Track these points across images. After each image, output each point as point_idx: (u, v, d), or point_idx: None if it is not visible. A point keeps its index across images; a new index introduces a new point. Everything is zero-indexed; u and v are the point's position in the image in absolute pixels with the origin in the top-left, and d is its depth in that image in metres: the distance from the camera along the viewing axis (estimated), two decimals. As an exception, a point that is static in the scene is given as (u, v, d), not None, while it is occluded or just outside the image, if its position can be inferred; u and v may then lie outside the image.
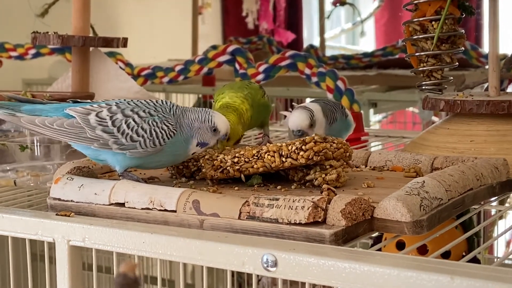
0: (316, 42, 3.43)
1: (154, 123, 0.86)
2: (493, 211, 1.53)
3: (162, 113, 0.87)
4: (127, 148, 0.86)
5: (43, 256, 1.78)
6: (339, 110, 1.10)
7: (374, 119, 2.82)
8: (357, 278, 0.64)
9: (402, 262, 0.65)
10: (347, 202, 0.73)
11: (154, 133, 0.86)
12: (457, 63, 1.11)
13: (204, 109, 0.90)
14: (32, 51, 1.92)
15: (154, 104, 0.89)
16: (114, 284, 0.46)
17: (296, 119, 1.04)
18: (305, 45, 3.89)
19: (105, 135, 0.86)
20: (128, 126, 0.86)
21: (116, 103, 0.88)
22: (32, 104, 0.90)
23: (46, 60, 2.41)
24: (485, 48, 2.89)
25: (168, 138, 0.87)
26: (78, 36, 1.30)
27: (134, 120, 0.86)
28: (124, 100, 0.90)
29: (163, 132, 0.86)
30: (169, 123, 0.87)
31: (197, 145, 0.89)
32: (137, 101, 0.90)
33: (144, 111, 0.87)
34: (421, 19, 1.08)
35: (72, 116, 0.87)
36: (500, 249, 1.97)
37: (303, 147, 0.85)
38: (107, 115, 0.86)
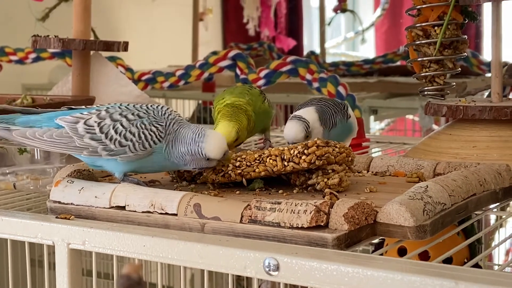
0: (316, 49, 3.43)
1: (143, 126, 0.85)
2: (492, 217, 1.52)
3: (153, 116, 0.86)
4: (116, 153, 0.85)
5: (41, 262, 1.78)
6: (340, 112, 1.04)
7: (375, 126, 2.81)
8: (360, 283, 0.64)
9: (406, 267, 0.64)
10: (350, 206, 0.72)
11: (143, 136, 0.85)
12: (459, 69, 1.11)
13: (194, 137, 0.85)
14: (32, 55, 1.92)
15: (146, 107, 0.87)
16: (117, 286, 0.45)
17: (291, 131, 0.99)
18: (305, 52, 3.89)
19: (93, 142, 0.85)
20: (116, 131, 0.85)
21: (106, 108, 0.87)
22: (26, 115, 0.89)
23: (46, 65, 2.41)
24: (485, 56, 2.89)
25: (159, 140, 0.85)
26: (79, 39, 1.30)
27: (122, 124, 0.85)
28: (119, 104, 0.88)
29: (152, 134, 0.85)
30: (159, 124, 0.85)
31: (193, 169, 0.88)
32: (130, 104, 0.88)
33: (133, 113, 0.86)
34: (423, 24, 1.07)
35: (62, 126, 0.86)
36: (498, 257, 1.96)
37: (305, 151, 0.85)
38: (95, 122, 0.85)
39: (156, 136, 0.85)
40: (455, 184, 0.81)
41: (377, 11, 3.78)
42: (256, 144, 1.44)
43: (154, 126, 0.85)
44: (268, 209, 0.74)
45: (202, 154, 0.85)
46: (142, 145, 0.85)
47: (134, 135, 0.85)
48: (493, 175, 0.89)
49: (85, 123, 0.86)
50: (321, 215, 0.72)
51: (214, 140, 0.86)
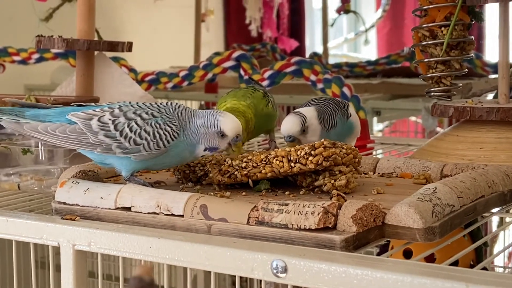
0: (318, 50, 3.42)
1: (157, 125, 0.85)
2: (494, 218, 1.51)
3: (166, 114, 0.86)
4: (131, 151, 0.85)
5: (43, 263, 1.77)
6: (340, 112, 1.03)
7: (377, 127, 2.80)
8: (369, 285, 0.63)
9: (416, 269, 0.63)
10: (358, 208, 0.71)
11: (157, 135, 0.85)
12: (466, 70, 1.10)
13: (212, 111, 0.87)
14: (36, 56, 1.90)
15: (158, 105, 0.87)
16: (128, 287, 0.45)
17: (286, 124, 0.98)
18: (307, 53, 3.88)
19: (107, 139, 0.85)
20: (131, 130, 0.85)
21: (119, 106, 0.87)
22: (35, 109, 0.89)
23: (48, 66, 2.40)
24: (487, 57, 2.88)
25: (172, 140, 0.85)
26: (83, 39, 1.29)
27: (136, 123, 0.85)
28: (129, 102, 0.88)
29: (166, 133, 0.85)
30: (173, 124, 0.86)
31: (205, 150, 0.87)
32: (141, 103, 0.88)
33: (147, 113, 0.86)
34: (430, 24, 1.07)
35: (74, 122, 0.86)
36: (503, 259, 1.95)
37: (312, 152, 0.84)
38: (109, 119, 0.85)
39: (170, 136, 0.85)
40: (464, 185, 0.80)
41: (378, 12, 3.77)
42: (259, 145, 1.43)
43: (169, 126, 0.85)
44: (275, 210, 0.74)
45: (217, 127, 0.86)
46: (156, 144, 0.85)
47: (149, 134, 0.85)
48: (501, 177, 0.88)
49: (99, 120, 0.85)
50: (329, 216, 0.71)
51: (231, 118, 0.88)
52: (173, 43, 3.41)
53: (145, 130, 0.85)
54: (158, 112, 0.86)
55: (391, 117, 2.55)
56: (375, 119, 2.30)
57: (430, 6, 1.07)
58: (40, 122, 0.87)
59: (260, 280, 0.70)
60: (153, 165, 0.88)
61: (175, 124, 0.86)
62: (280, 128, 0.99)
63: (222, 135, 0.87)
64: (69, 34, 1.34)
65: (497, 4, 1.08)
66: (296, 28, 3.95)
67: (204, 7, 3.15)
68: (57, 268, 0.82)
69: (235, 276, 0.73)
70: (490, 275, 0.62)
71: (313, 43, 4.65)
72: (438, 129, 2.44)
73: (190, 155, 0.87)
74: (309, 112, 1.00)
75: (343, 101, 1.06)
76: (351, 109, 1.06)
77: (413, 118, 2.93)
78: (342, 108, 1.04)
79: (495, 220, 1.77)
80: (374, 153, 1.36)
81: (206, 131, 0.86)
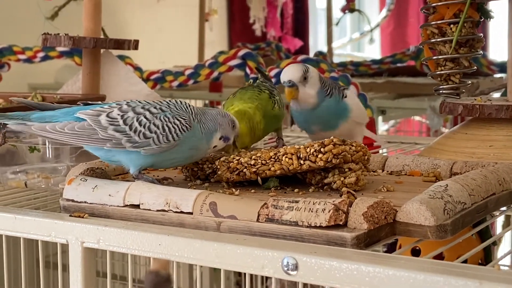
0: (322, 50, 3.42)
1: (166, 119, 0.85)
2: (499, 219, 1.50)
3: (175, 109, 0.87)
4: (140, 145, 0.85)
5: (48, 263, 1.77)
6: (337, 88, 1.07)
7: (382, 127, 2.80)
8: (381, 282, 0.63)
9: (429, 267, 0.63)
10: (369, 205, 0.71)
11: (167, 128, 0.85)
12: (475, 67, 1.09)
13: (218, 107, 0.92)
14: (41, 54, 1.90)
15: (167, 102, 0.88)
16: (145, 281, 0.44)
17: (288, 70, 1.02)
18: (311, 52, 3.87)
19: (117, 134, 0.84)
20: (140, 124, 0.85)
21: (127, 102, 0.87)
22: (41, 112, 0.88)
23: (52, 65, 2.39)
24: (491, 56, 2.87)
25: (181, 133, 0.85)
26: (89, 37, 1.29)
27: (145, 117, 0.85)
28: (136, 100, 0.89)
29: (176, 127, 0.85)
30: (182, 118, 0.86)
31: (220, 138, 0.90)
32: (148, 100, 0.89)
33: (155, 107, 0.86)
34: (439, 22, 1.06)
35: (82, 119, 0.86)
36: (506, 259, 1.94)
37: (322, 149, 0.83)
38: (118, 114, 0.85)
39: (180, 129, 0.85)
40: (475, 183, 0.80)
41: (383, 12, 3.77)
42: (265, 143, 1.43)
43: (178, 120, 0.85)
44: (285, 207, 0.73)
45: (229, 116, 0.92)
46: (166, 137, 0.85)
47: (158, 128, 0.85)
48: (511, 175, 0.87)
49: (107, 116, 0.85)
50: (340, 214, 0.71)
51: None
52: (177, 42, 3.40)
53: (154, 124, 0.85)
54: (166, 107, 0.87)
55: (396, 116, 2.55)
56: (380, 118, 2.29)
57: (439, 3, 1.06)
58: (47, 123, 0.86)
59: (266, 280, 0.69)
60: (162, 161, 0.87)
61: (184, 117, 0.86)
62: (281, 74, 1.04)
63: (234, 125, 0.91)
64: (75, 33, 1.33)
65: (504, 2, 1.07)
66: (300, 28, 3.95)
67: (208, 7, 3.14)
68: (63, 267, 0.82)
69: (239, 275, 0.72)
70: (503, 272, 0.62)
71: (316, 43, 4.65)
72: (443, 128, 2.43)
73: (204, 145, 0.88)
74: (313, 69, 1.05)
75: (340, 85, 1.11)
76: (349, 93, 1.10)
77: (417, 118, 2.92)
78: (339, 88, 1.09)
79: (499, 218, 1.76)
80: (380, 151, 1.36)
81: (222, 120, 0.90)
